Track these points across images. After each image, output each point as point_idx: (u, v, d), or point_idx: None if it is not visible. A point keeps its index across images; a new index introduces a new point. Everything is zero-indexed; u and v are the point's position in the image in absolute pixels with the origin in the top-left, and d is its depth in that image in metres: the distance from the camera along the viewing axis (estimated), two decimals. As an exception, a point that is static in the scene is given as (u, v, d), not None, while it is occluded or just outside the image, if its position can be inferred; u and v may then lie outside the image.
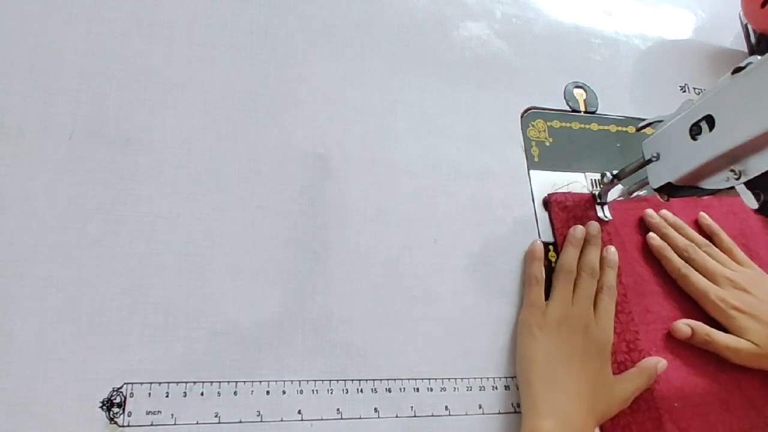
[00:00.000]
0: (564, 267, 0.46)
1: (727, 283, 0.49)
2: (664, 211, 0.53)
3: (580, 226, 0.48)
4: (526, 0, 0.61)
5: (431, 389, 0.41)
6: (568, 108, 0.56)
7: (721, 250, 0.52)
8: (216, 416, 0.37)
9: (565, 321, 0.44)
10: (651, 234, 0.52)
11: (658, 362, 0.45)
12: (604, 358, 0.44)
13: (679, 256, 0.51)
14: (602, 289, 0.46)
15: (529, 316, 0.44)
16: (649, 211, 0.53)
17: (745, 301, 0.48)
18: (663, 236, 0.52)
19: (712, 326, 0.48)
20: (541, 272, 0.46)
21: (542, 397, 0.40)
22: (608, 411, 0.42)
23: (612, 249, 0.48)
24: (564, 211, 0.50)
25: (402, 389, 0.41)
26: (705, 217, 0.54)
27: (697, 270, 0.50)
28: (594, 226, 0.49)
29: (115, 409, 0.35)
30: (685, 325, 0.48)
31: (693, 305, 0.50)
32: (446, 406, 0.41)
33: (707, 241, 0.52)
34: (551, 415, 0.39)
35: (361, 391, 0.40)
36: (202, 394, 0.37)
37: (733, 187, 0.37)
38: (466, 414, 0.41)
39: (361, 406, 0.40)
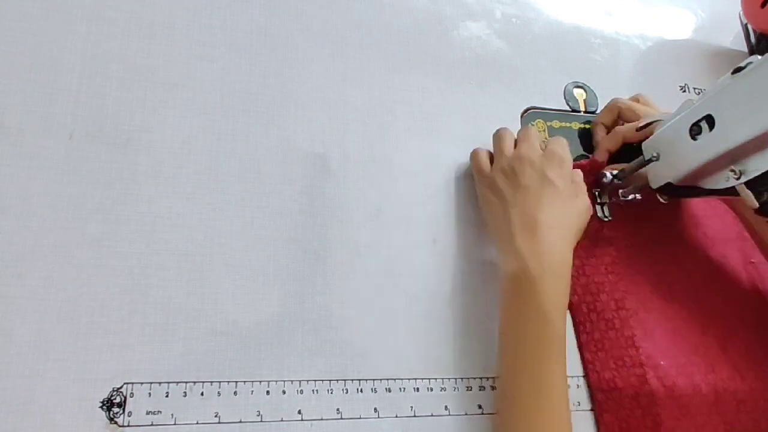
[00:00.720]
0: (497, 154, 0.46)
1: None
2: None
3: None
4: (526, 0, 0.61)
5: (431, 389, 0.41)
6: (568, 108, 0.56)
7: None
8: (216, 416, 0.37)
9: (508, 167, 0.44)
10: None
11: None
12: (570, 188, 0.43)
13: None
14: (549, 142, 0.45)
15: (480, 182, 0.46)
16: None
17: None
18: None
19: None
20: (486, 164, 0.47)
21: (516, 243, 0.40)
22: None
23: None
24: None
25: (402, 389, 0.41)
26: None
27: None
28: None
29: (115, 409, 0.35)
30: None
31: (684, 275, 0.50)
32: (446, 406, 0.41)
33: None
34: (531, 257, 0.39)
35: (361, 391, 0.40)
36: (202, 394, 0.37)
37: (733, 187, 0.37)
38: (466, 414, 0.41)
39: (361, 406, 0.40)
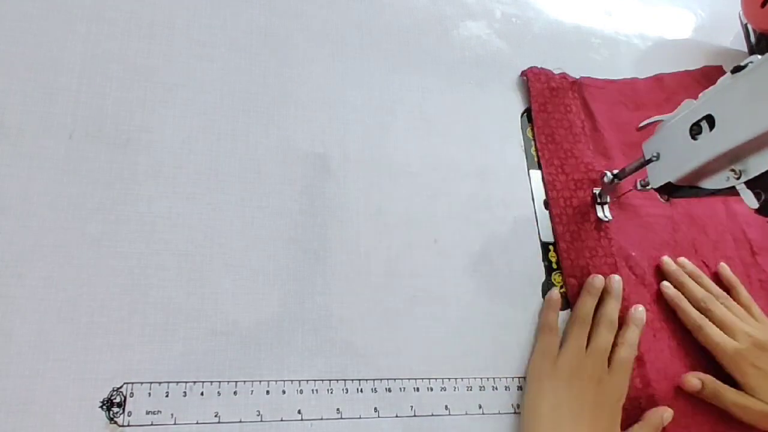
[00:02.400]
0: (579, 316, 0.45)
1: (745, 339, 0.47)
2: (682, 259, 0.52)
3: (599, 276, 0.47)
4: (526, 0, 0.61)
5: (431, 389, 0.41)
6: (568, 108, 0.56)
7: (739, 304, 0.50)
8: (216, 416, 0.37)
9: (576, 372, 0.42)
10: (665, 283, 0.50)
11: (664, 413, 0.44)
12: (614, 412, 0.42)
13: (695, 307, 0.49)
14: (622, 344, 0.44)
15: (540, 364, 0.43)
16: (666, 259, 0.51)
17: (762, 359, 0.46)
18: (679, 285, 0.50)
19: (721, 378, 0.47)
20: (555, 321, 0.45)
21: None
22: None
23: (640, 308, 0.47)
24: (539, 82, 0.53)
25: (402, 389, 0.41)
26: (725, 268, 0.53)
27: (713, 322, 0.48)
28: (616, 279, 0.47)
29: (115, 409, 0.35)
30: (695, 378, 0.46)
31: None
32: (446, 406, 0.41)
33: (725, 294, 0.50)
34: None
35: (361, 390, 0.40)
36: (202, 393, 0.37)
37: (733, 187, 0.37)
38: (466, 414, 0.41)
39: (361, 405, 0.40)
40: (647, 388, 0.45)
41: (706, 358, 0.48)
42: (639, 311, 0.46)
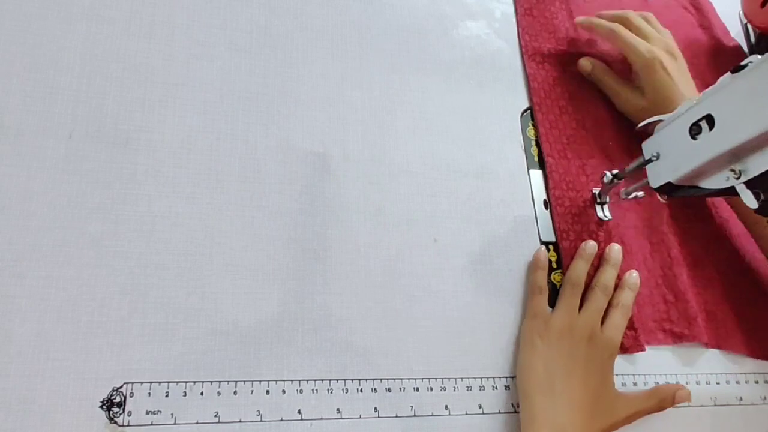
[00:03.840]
0: (571, 279, 0.46)
1: (659, 42, 0.52)
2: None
3: (592, 241, 0.48)
4: None
5: (431, 389, 0.41)
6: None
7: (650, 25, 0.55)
8: (216, 416, 0.37)
9: (567, 331, 0.43)
10: (577, 18, 0.56)
11: (677, 390, 0.44)
12: (606, 369, 0.43)
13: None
14: (616, 306, 0.45)
15: (531, 325, 0.44)
16: (579, 18, 0.57)
17: (672, 64, 0.51)
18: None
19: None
20: (544, 281, 0.46)
21: (539, 409, 0.40)
22: (608, 424, 0.42)
23: (635, 273, 0.47)
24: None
25: (402, 389, 0.41)
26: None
27: (630, 30, 0.53)
28: (615, 248, 0.48)
29: (115, 409, 0.35)
30: (587, 61, 0.53)
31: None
32: (446, 406, 0.41)
33: (644, 15, 0.55)
34: (548, 425, 0.39)
35: (361, 390, 0.40)
36: (201, 393, 0.37)
37: (733, 187, 0.37)
38: (466, 414, 0.41)
39: (361, 405, 0.40)
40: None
41: None
42: (633, 276, 0.47)
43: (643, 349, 0.46)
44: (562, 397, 0.40)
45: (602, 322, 0.45)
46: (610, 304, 0.46)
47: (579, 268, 0.46)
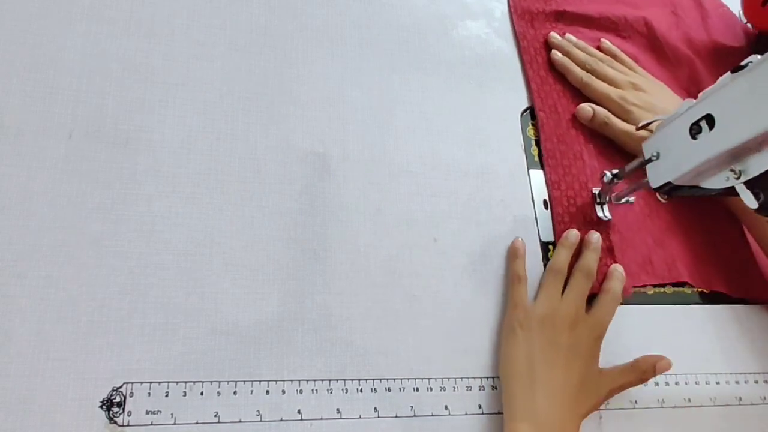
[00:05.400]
0: (553, 267, 0.46)
1: (628, 86, 0.54)
2: (568, 35, 0.58)
3: (574, 230, 0.48)
4: None
5: (431, 389, 0.41)
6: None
7: (622, 65, 0.57)
8: (215, 416, 0.37)
9: (549, 318, 0.43)
10: (554, 51, 0.56)
11: (658, 361, 0.43)
12: (593, 352, 0.43)
13: (582, 68, 0.55)
14: (606, 292, 0.45)
15: (512, 315, 0.44)
16: (553, 33, 0.57)
17: (643, 99, 0.53)
18: (566, 53, 0.56)
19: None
20: (523, 270, 0.45)
21: (519, 399, 0.40)
22: (593, 404, 0.42)
23: (620, 267, 0.47)
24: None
25: (402, 389, 0.41)
26: (606, 42, 0.59)
27: (599, 78, 0.54)
28: (594, 234, 0.48)
29: (115, 409, 0.35)
30: (587, 106, 0.53)
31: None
32: (446, 406, 0.41)
33: (608, 57, 0.57)
34: (528, 418, 0.39)
35: (361, 390, 0.40)
36: (201, 393, 0.37)
37: (733, 187, 0.37)
38: (466, 414, 0.41)
39: (361, 405, 0.40)
40: None
41: None
42: (620, 268, 0.47)
43: (629, 294, 0.47)
44: (543, 387, 0.40)
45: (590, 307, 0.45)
46: (602, 291, 0.45)
47: (561, 257, 0.46)
